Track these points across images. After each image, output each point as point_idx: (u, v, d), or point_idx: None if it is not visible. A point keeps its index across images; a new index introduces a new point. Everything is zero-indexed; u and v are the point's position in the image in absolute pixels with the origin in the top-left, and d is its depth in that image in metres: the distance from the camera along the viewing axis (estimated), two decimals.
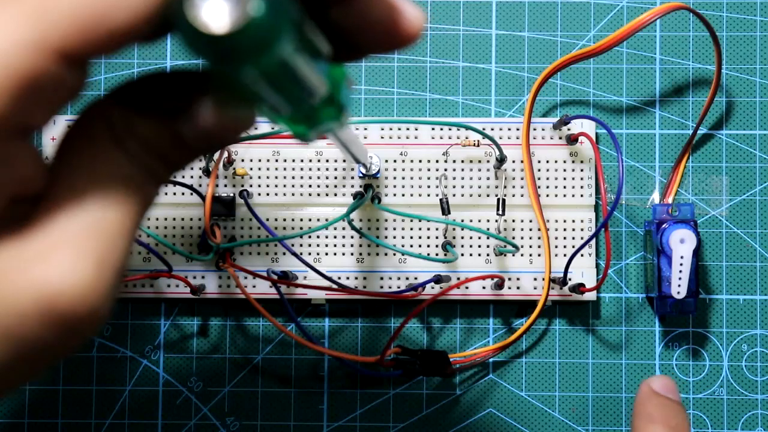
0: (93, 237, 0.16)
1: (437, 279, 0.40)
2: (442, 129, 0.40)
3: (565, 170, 0.41)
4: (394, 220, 0.40)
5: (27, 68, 0.15)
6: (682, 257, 0.38)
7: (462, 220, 0.40)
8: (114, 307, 0.17)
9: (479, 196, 0.40)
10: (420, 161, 0.40)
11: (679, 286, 0.39)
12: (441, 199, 0.39)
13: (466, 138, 0.40)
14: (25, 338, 0.16)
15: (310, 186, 0.40)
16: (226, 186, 0.40)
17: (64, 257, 0.16)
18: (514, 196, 0.41)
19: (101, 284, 0.16)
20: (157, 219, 0.40)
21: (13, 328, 0.16)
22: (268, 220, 0.40)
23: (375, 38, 0.19)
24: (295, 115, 0.19)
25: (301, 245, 0.40)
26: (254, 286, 0.40)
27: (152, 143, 0.17)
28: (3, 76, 0.15)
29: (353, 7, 0.18)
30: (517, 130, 0.41)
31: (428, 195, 0.40)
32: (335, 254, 0.40)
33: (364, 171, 0.40)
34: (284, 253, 0.40)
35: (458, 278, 0.40)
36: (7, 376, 0.17)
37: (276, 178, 0.41)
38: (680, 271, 0.39)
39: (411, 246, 0.40)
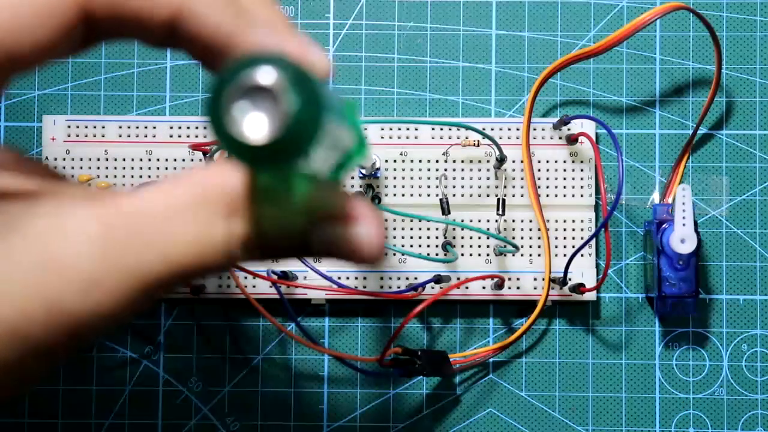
0: (128, 253, 0.16)
1: (437, 279, 0.40)
2: (442, 129, 0.40)
3: (565, 170, 0.41)
4: (394, 220, 0.40)
5: None
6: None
7: (462, 220, 0.40)
8: (128, 321, 0.17)
9: (479, 196, 0.40)
10: (420, 161, 0.40)
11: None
12: (441, 199, 0.39)
13: (466, 138, 0.40)
14: (29, 337, 0.16)
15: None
16: None
17: (86, 257, 0.16)
18: (514, 196, 0.41)
19: (115, 301, 0.16)
20: None
21: (18, 326, 0.16)
22: None
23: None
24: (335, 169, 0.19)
25: None
26: (254, 286, 0.40)
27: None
28: None
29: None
30: (517, 130, 0.41)
31: (428, 195, 0.40)
32: None
33: (364, 171, 0.40)
34: None
35: (458, 278, 0.40)
36: (12, 376, 0.17)
37: None
38: (683, 218, 0.38)
39: (411, 246, 0.40)
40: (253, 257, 0.17)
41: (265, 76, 0.14)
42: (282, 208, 0.17)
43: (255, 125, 0.14)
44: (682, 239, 0.38)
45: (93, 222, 0.16)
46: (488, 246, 0.40)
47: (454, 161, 0.40)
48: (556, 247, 0.40)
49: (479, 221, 0.40)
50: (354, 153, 0.19)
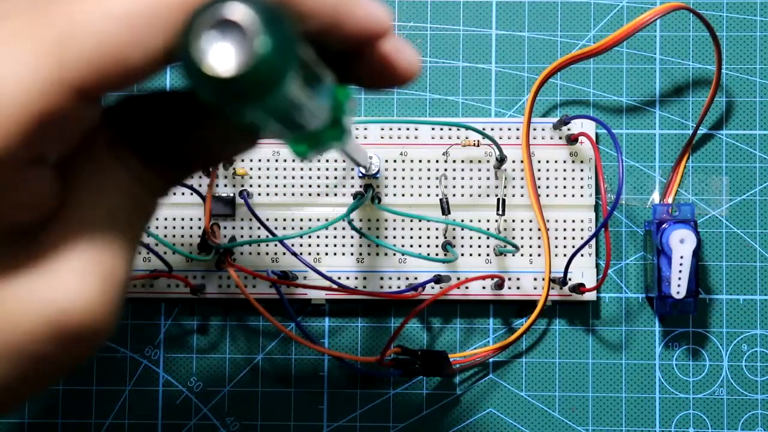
0: (98, 255, 0.17)
1: (437, 279, 0.40)
2: (442, 129, 0.40)
3: (565, 170, 0.41)
4: (394, 220, 0.40)
5: (44, 104, 0.15)
6: (681, 257, 0.38)
7: (462, 220, 0.40)
8: (119, 320, 0.17)
9: (479, 196, 0.40)
10: (420, 161, 0.40)
11: (678, 286, 0.39)
12: (441, 199, 0.39)
13: (466, 138, 0.40)
14: (33, 355, 0.16)
15: (310, 186, 0.40)
16: (226, 186, 0.40)
17: (70, 275, 0.16)
18: (514, 196, 0.41)
19: (107, 300, 0.17)
20: (157, 219, 0.40)
21: (22, 346, 0.16)
22: (268, 220, 0.40)
23: (378, 80, 0.20)
24: (296, 138, 0.19)
25: (301, 245, 0.40)
26: (254, 286, 0.40)
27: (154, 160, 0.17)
28: (19, 112, 0.15)
29: (362, 60, 0.19)
30: (517, 130, 0.41)
31: (428, 195, 0.40)
32: (335, 254, 0.40)
33: (364, 171, 0.40)
34: (284, 253, 0.40)
35: (458, 278, 0.40)
36: (15, 391, 0.17)
37: (276, 178, 0.41)
38: (680, 271, 0.39)
39: (411, 246, 0.40)
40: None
41: (236, 10, 0.14)
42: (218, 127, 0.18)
43: (221, 57, 0.14)
44: (681, 239, 0.39)
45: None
46: (488, 246, 0.40)
47: (454, 161, 0.40)
48: (556, 247, 0.40)
49: (479, 221, 0.40)
50: (325, 133, 0.19)
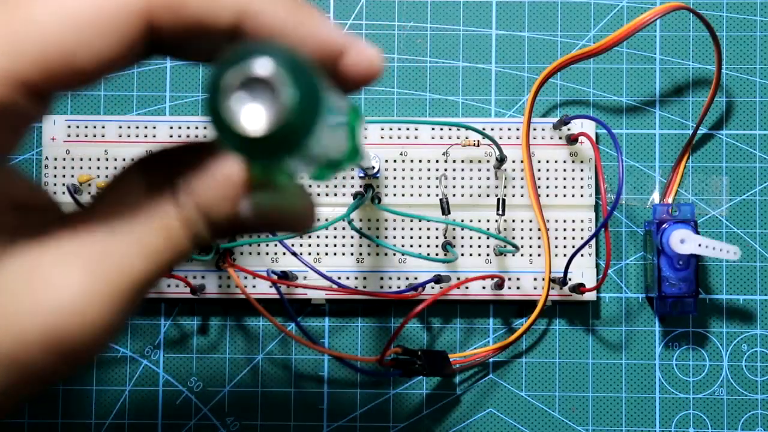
0: (110, 263, 0.16)
1: (437, 279, 0.40)
2: (442, 129, 0.40)
3: (565, 170, 0.41)
4: (394, 220, 0.40)
5: None
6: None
7: (462, 220, 0.40)
8: (120, 334, 0.17)
9: (479, 196, 0.40)
10: (420, 161, 0.40)
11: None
12: (441, 199, 0.39)
13: (466, 138, 0.40)
14: (26, 364, 0.16)
15: (310, 186, 0.40)
16: None
17: (68, 286, 0.16)
18: (514, 196, 0.41)
19: (110, 315, 0.16)
20: None
21: (16, 355, 0.16)
22: None
23: (343, 86, 0.19)
24: (320, 168, 0.19)
25: (301, 245, 0.40)
26: (254, 286, 0.40)
27: (207, 204, 0.17)
28: None
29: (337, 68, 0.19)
30: (517, 130, 0.41)
31: (428, 195, 0.40)
32: (335, 254, 0.40)
33: (365, 169, 0.40)
34: (284, 253, 0.40)
35: (458, 278, 0.40)
36: (6, 399, 0.17)
37: None
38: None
39: (411, 246, 0.40)
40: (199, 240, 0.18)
41: (263, 67, 0.14)
42: (263, 197, 0.17)
43: (252, 117, 0.14)
44: (681, 239, 0.39)
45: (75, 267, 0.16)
46: (488, 246, 0.40)
47: (454, 161, 0.40)
48: (556, 247, 0.40)
49: (479, 221, 0.40)
50: (345, 159, 0.19)
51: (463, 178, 0.40)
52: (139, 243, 0.17)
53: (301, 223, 0.19)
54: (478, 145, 0.40)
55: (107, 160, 0.40)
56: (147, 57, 0.18)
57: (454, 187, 0.40)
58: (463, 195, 0.40)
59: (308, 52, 0.18)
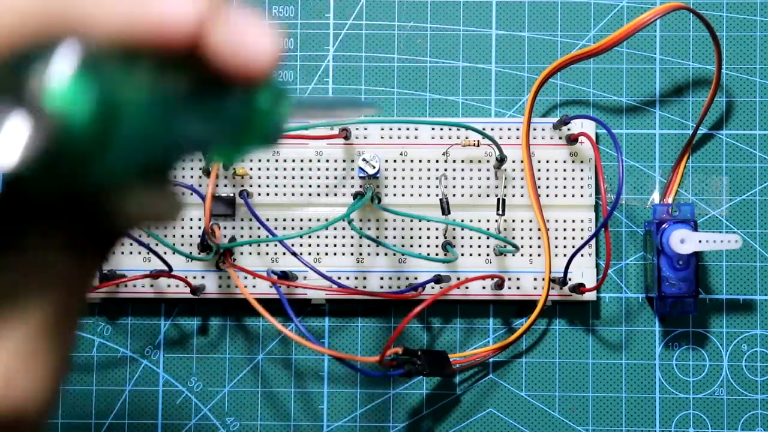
0: (16, 346, 0.15)
1: (437, 279, 0.40)
2: (442, 129, 0.40)
3: (565, 170, 0.41)
4: (394, 220, 0.40)
5: None
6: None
7: (462, 220, 0.40)
8: (56, 401, 0.16)
9: (479, 196, 0.40)
10: (420, 161, 0.40)
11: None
12: (441, 199, 0.39)
13: (466, 138, 0.40)
14: None
15: (310, 186, 0.40)
16: (226, 186, 0.40)
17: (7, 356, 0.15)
18: (514, 196, 0.41)
19: (44, 389, 0.15)
20: None
21: None
22: (268, 220, 0.40)
23: (229, 80, 0.16)
24: (215, 149, 0.16)
25: (301, 245, 0.40)
26: (254, 286, 0.40)
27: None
28: None
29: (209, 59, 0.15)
30: (517, 130, 0.41)
31: (428, 195, 0.40)
32: (335, 254, 0.40)
33: (364, 171, 0.40)
34: (284, 253, 0.40)
35: (458, 278, 0.40)
36: None
37: (276, 178, 0.41)
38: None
39: (411, 246, 0.40)
40: None
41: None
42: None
43: (8, 147, 0.12)
44: (681, 239, 0.39)
45: None
46: (488, 246, 0.40)
47: (454, 161, 0.40)
48: (556, 247, 0.40)
49: (479, 221, 0.40)
50: (251, 143, 0.17)
51: (463, 178, 0.40)
52: (28, 307, 0.15)
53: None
54: (478, 145, 0.40)
55: None
56: None
57: (454, 187, 0.40)
58: (463, 195, 0.40)
59: (134, 40, 0.14)
